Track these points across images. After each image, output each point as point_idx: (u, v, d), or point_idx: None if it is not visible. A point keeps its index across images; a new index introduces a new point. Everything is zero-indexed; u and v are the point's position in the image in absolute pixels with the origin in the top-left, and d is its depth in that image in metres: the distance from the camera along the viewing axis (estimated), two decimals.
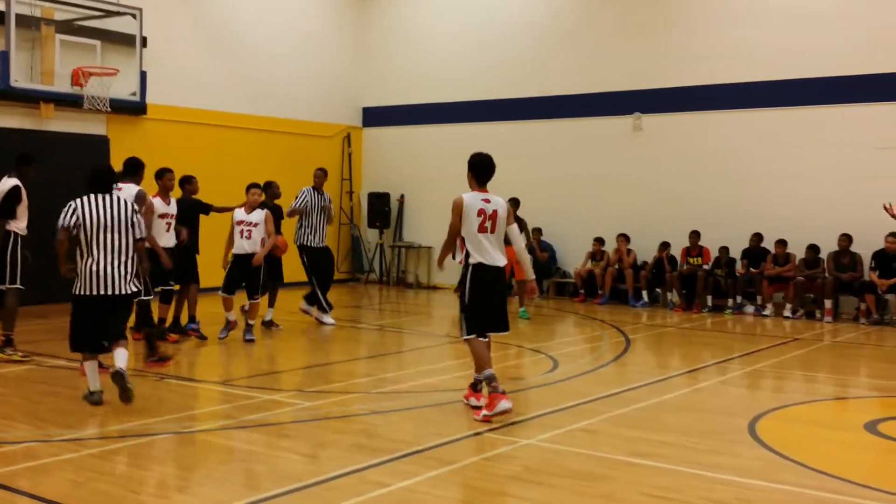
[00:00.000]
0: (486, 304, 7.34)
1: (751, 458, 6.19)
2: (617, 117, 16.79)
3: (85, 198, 7.41)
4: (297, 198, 12.77)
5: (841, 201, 14.65)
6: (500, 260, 7.39)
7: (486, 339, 7.38)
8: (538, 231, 17.17)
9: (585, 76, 17.14)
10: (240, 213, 11.19)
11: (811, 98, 15.03)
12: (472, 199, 7.34)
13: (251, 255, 11.00)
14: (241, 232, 11.06)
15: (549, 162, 17.41)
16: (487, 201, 7.36)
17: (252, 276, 11.12)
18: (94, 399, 7.39)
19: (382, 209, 19.34)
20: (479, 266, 7.32)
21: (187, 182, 11.76)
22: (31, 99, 13.56)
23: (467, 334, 7.34)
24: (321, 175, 13.14)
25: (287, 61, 18.19)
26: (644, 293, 15.81)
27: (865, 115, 14.60)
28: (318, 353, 10.78)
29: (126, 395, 7.18)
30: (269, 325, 12.14)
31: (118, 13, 13.46)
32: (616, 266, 16.11)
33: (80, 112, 13.84)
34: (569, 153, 17.31)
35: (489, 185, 7.52)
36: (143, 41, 13.87)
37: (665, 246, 15.65)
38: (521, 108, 17.90)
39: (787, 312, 14.42)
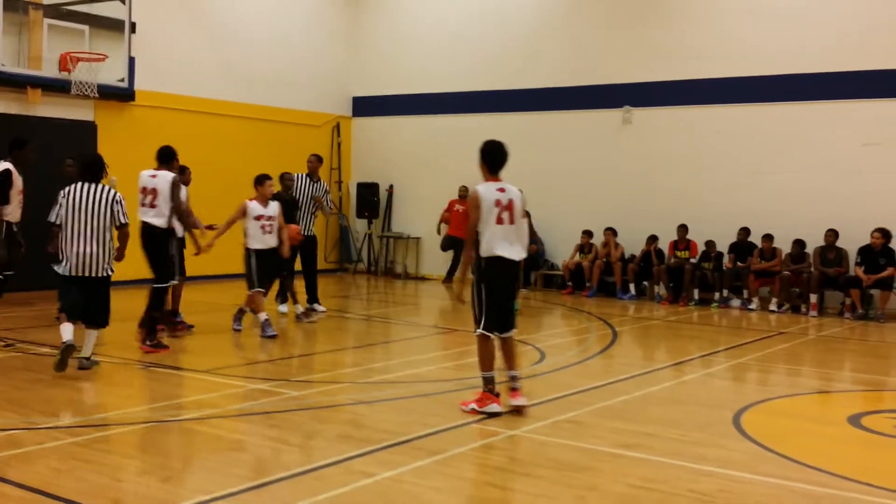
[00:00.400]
0: (501, 299, 7.02)
1: (735, 451, 6.22)
2: (606, 110, 16.79)
3: (71, 187, 8.14)
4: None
5: (827, 197, 14.72)
6: (519, 253, 7.06)
7: (507, 337, 7.10)
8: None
9: (575, 68, 17.14)
10: (257, 207, 10.71)
11: (799, 93, 15.07)
12: (488, 191, 7.02)
13: (275, 250, 10.73)
14: (264, 227, 10.66)
15: (539, 154, 17.40)
16: (502, 191, 7.05)
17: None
18: (80, 365, 8.12)
19: (371, 199, 19.31)
20: (497, 260, 6.95)
21: (180, 173, 11.43)
22: (18, 84, 13.46)
23: (483, 329, 7.00)
24: (314, 161, 12.95)
25: (277, 50, 18.12)
26: (631, 286, 15.85)
27: (852, 111, 14.66)
28: (306, 343, 10.77)
29: (62, 365, 7.83)
30: (307, 314, 11.93)
31: None
32: (604, 259, 16.15)
33: (67, 98, 13.76)
34: (558, 146, 17.32)
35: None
36: (132, 27, 13.79)
37: (653, 239, 15.69)
38: (511, 99, 17.89)
39: (772, 306, 14.49)
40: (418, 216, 18.93)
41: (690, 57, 15.98)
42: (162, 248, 9.69)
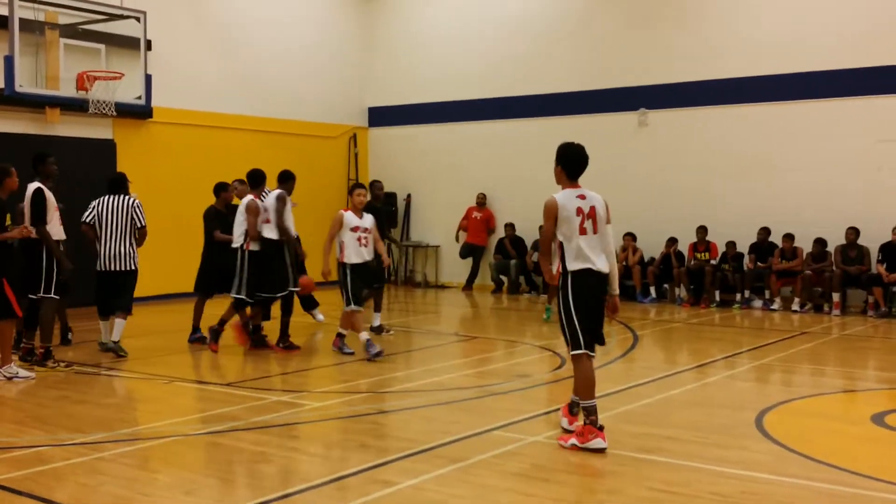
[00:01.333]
0: (592, 315, 6.42)
1: (758, 452, 6.20)
2: (622, 113, 16.77)
3: (102, 198, 10.03)
4: None
5: (847, 194, 14.62)
6: (605, 265, 6.45)
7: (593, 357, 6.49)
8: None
9: (590, 72, 17.13)
10: (352, 218, 9.97)
11: (817, 91, 14.99)
12: (567, 199, 6.41)
13: (367, 264, 10.09)
14: (360, 239, 9.96)
15: (554, 159, 17.38)
16: (583, 197, 6.46)
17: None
18: (105, 347, 9.96)
19: (389, 209, 19.36)
20: (584, 273, 6.35)
21: (223, 189, 11.43)
22: (36, 104, 13.61)
23: (575, 349, 6.39)
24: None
25: (292, 62, 18.23)
26: (652, 289, 15.80)
27: (871, 108, 14.57)
28: (327, 354, 10.80)
29: (118, 353, 9.65)
30: (378, 330, 11.83)
31: (122, 17, 13.51)
32: (623, 262, 16.11)
33: (85, 116, 13.91)
34: None
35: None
36: (148, 44, 13.93)
37: (672, 241, 15.64)
38: (526, 105, 17.90)
39: (795, 306, 14.41)
40: (437, 224, 18.97)
41: (705, 57, 15.94)
42: (281, 258, 10.34)
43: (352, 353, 10.03)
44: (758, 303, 14.89)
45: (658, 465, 5.90)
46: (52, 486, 5.48)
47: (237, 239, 10.47)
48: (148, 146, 15.58)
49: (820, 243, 14.44)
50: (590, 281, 6.37)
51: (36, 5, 12.55)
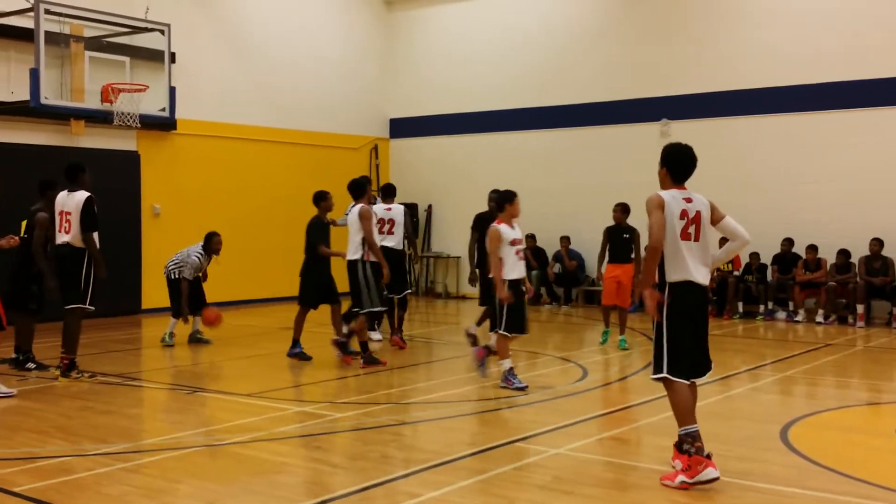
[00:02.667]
0: (692, 335, 5.75)
1: (782, 465, 6.14)
2: (644, 124, 16.74)
3: None
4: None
5: (871, 205, 14.51)
6: (706, 276, 5.80)
7: (692, 383, 5.79)
8: (566, 239, 17.16)
9: (611, 83, 17.12)
10: (509, 231, 8.75)
11: (840, 101, 14.91)
12: (673, 198, 5.79)
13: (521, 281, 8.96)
14: (519, 253, 8.83)
15: (577, 170, 17.39)
16: (690, 200, 5.82)
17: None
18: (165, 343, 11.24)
19: (410, 219, 19.36)
20: (684, 285, 5.70)
21: (322, 199, 11.08)
22: (61, 116, 13.75)
23: (666, 372, 5.69)
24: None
25: (314, 74, 18.33)
26: None
27: (894, 118, 14.45)
28: (348, 365, 10.81)
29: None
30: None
31: (146, 29, 13.62)
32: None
33: (110, 128, 14.03)
34: (596, 161, 17.27)
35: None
36: (172, 57, 14.04)
37: None
38: (548, 116, 17.90)
39: (819, 318, 14.29)
40: (458, 235, 18.91)
41: (728, 68, 15.88)
42: (402, 267, 10.62)
43: (523, 388, 8.72)
44: (781, 314, 14.78)
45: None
46: (76, 496, 5.51)
47: (354, 251, 10.18)
48: (172, 158, 15.71)
49: (844, 254, 14.32)
50: (690, 294, 5.72)
51: (61, 18, 12.67)
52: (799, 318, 14.49)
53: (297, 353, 10.66)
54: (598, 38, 17.36)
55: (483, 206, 11.98)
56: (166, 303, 14.61)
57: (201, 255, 11.90)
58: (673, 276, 5.71)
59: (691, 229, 5.74)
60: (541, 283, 17.50)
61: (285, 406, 8.11)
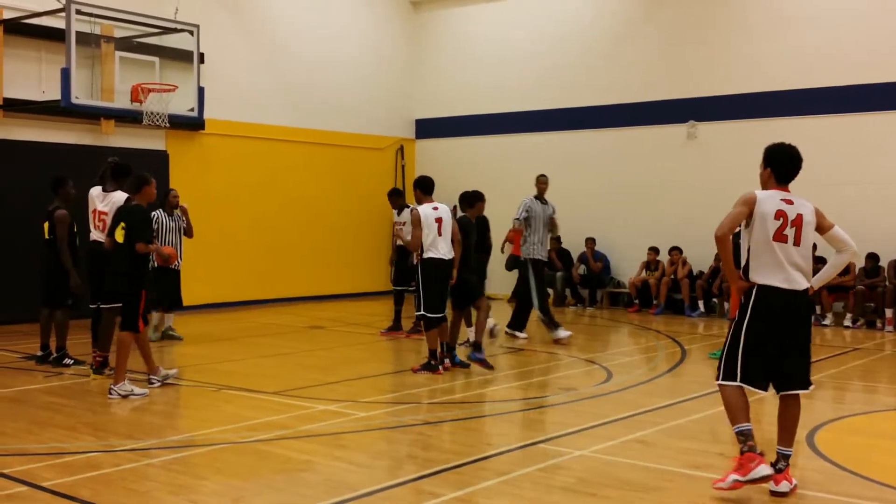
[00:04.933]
0: (773, 344, 5.46)
1: (809, 470, 6.09)
2: (670, 125, 16.66)
3: (156, 211, 10.80)
4: (519, 208, 12.41)
5: None
6: (801, 281, 5.50)
7: (790, 397, 5.61)
8: (591, 241, 17.12)
9: (638, 84, 17.05)
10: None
11: (870, 104, 14.76)
12: (769, 197, 5.54)
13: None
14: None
15: (602, 171, 17.34)
16: (789, 202, 5.55)
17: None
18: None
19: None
20: (770, 290, 5.42)
21: (478, 199, 10.82)
22: (91, 115, 13.90)
23: (723, 379, 5.53)
24: (545, 181, 12.51)
25: (340, 75, 18.40)
26: (700, 303, 15.64)
27: None
28: (372, 364, 10.85)
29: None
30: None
31: (176, 30, 13.71)
32: (671, 276, 15.96)
33: (139, 128, 14.17)
34: (622, 162, 17.22)
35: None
36: (201, 57, 14.13)
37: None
38: (574, 117, 17.86)
39: (847, 322, 14.15)
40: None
41: (755, 69, 15.77)
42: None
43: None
44: None
45: (707, 481, 5.80)
46: (102, 491, 5.57)
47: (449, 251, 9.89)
48: (200, 157, 15.83)
49: (872, 258, 14.18)
50: (777, 300, 5.41)
51: (92, 19, 12.80)
52: (827, 322, 14.36)
53: (481, 360, 9.93)
54: (624, 39, 17.30)
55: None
56: (198, 299, 14.78)
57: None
58: (759, 277, 5.47)
59: (788, 231, 5.47)
60: (566, 285, 17.46)
61: (310, 404, 8.15)
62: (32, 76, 13.60)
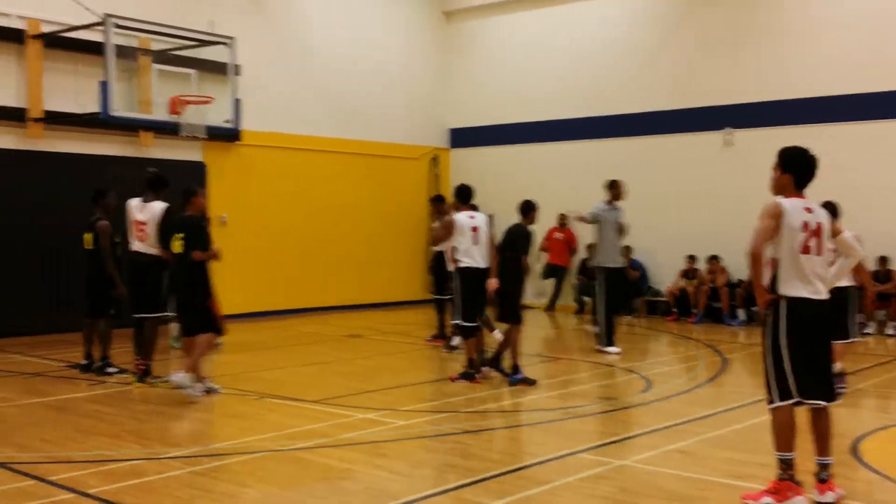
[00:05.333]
0: (809, 356, 5.41)
1: (854, 480, 6.01)
2: (707, 133, 16.52)
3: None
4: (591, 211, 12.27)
5: None
6: (824, 292, 5.48)
7: (822, 409, 5.48)
8: (628, 249, 17.02)
9: (674, 92, 16.95)
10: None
11: None
12: (794, 208, 5.46)
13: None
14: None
15: (639, 179, 17.17)
16: (810, 211, 5.52)
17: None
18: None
19: None
20: (801, 302, 5.39)
21: (533, 209, 10.45)
22: (130, 127, 14.07)
23: (779, 400, 5.41)
24: (621, 187, 12.29)
25: (375, 85, 18.48)
26: (740, 311, 15.47)
27: None
28: (411, 372, 10.87)
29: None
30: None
31: (212, 43, 13.86)
32: (710, 284, 15.82)
33: (177, 139, 14.33)
34: (658, 170, 17.10)
35: None
36: (237, 69, 14.29)
37: None
38: (609, 125, 17.79)
39: (889, 330, 13.94)
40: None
41: (792, 75, 15.61)
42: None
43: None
44: None
45: (751, 491, 5.75)
46: (146, 498, 5.63)
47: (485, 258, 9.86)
48: (237, 168, 15.97)
49: None
50: (808, 311, 5.38)
51: (130, 32, 12.98)
52: (869, 329, 14.15)
53: (521, 379, 9.61)
54: (659, 47, 17.20)
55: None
56: (238, 308, 14.86)
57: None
58: (788, 290, 5.39)
59: (812, 242, 5.43)
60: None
61: (350, 412, 8.18)
62: (72, 89, 13.81)
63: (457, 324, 9.92)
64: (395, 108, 18.92)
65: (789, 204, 5.48)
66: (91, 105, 13.32)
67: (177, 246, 8.80)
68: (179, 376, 8.61)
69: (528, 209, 10.35)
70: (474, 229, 9.74)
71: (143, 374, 9.46)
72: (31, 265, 13.20)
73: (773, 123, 15.79)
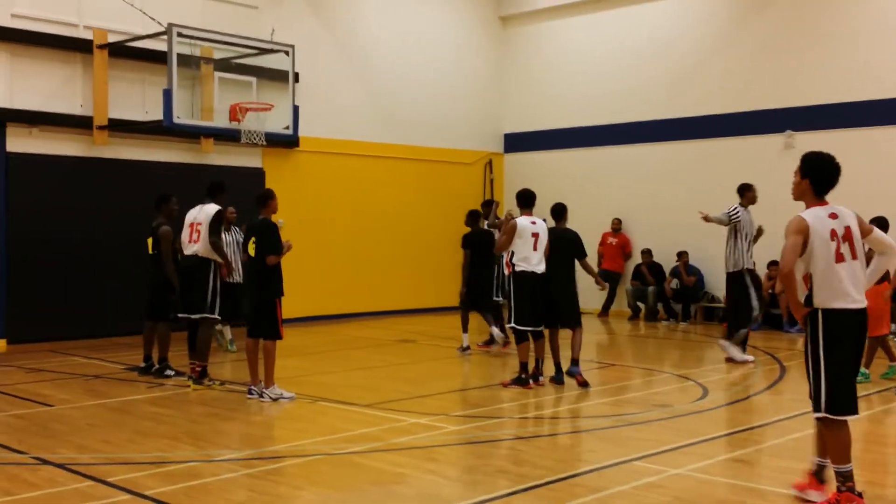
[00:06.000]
0: (848, 365, 5.36)
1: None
2: (766, 136, 16.25)
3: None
4: (727, 209, 12.14)
5: None
6: (862, 299, 5.35)
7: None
8: (684, 254, 16.82)
9: (732, 94, 16.71)
10: None
11: None
12: (818, 219, 5.33)
13: None
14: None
15: (695, 183, 17.02)
16: (835, 217, 5.38)
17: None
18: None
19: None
20: (839, 313, 5.27)
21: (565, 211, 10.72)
22: (192, 135, 14.35)
23: (831, 411, 5.31)
24: (752, 189, 12.13)
25: (430, 90, 18.56)
26: None
27: None
28: (463, 377, 10.88)
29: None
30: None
31: (272, 51, 14.06)
32: (769, 291, 15.54)
33: (237, 146, 14.54)
34: (716, 174, 16.84)
35: None
36: (296, 77, 14.46)
37: None
38: (665, 129, 17.61)
39: None
40: None
41: (854, 77, 15.28)
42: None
43: None
44: None
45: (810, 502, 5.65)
46: (201, 500, 5.71)
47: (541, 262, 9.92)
48: (295, 174, 16.16)
49: None
50: (847, 321, 5.27)
51: (192, 41, 13.22)
52: None
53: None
54: (717, 49, 16.97)
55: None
56: (293, 313, 15.03)
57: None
58: (828, 302, 5.28)
59: (844, 248, 5.30)
60: (658, 299, 17.19)
61: (402, 417, 8.22)
62: (136, 97, 14.13)
63: (511, 327, 9.92)
64: (450, 113, 18.98)
65: (812, 215, 5.37)
66: (154, 113, 13.61)
67: (251, 248, 9.00)
68: (271, 391, 8.89)
69: (563, 212, 10.67)
70: (535, 235, 9.76)
71: (200, 376, 9.62)
72: (94, 269, 13.51)
73: (836, 126, 15.47)
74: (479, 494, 5.84)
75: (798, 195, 5.58)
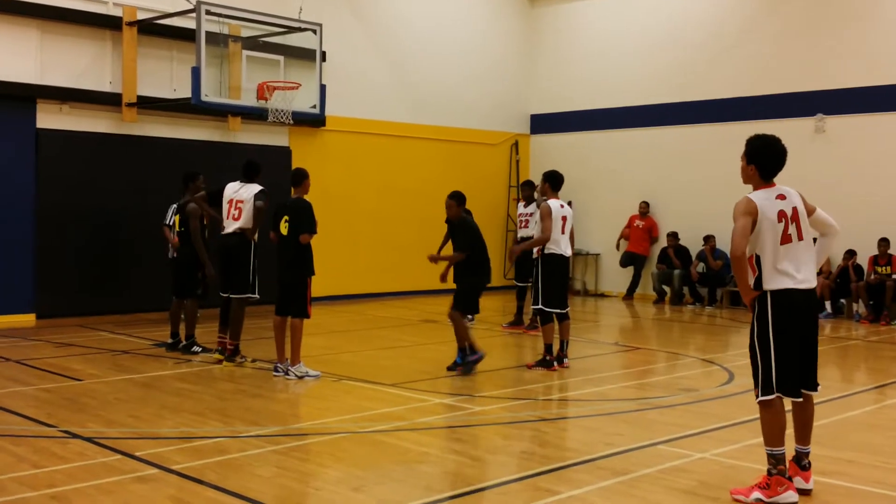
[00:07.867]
0: (796, 348, 5.31)
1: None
2: (797, 119, 16.07)
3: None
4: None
5: None
6: (812, 279, 5.37)
7: (807, 398, 5.48)
8: (711, 238, 16.70)
9: (762, 76, 16.52)
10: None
11: None
12: (766, 200, 5.38)
13: None
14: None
15: (723, 167, 16.81)
16: (783, 198, 5.42)
17: None
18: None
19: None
20: (786, 294, 5.26)
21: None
22: (219, 113, 14.39)
23: (764, 394, 5.32)
24: None
25: (457, 71, 18.50)
26: (827, 304, 15.06)
27: None
28: (488, 359, 10.88)
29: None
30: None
31: (300, 29, 14.04)
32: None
33: (264, 125, 14.59)
34: None
35: None
36: (323, 56, 14.45)
37: (851, 254, 14.86)
38: (693, 111, 17.45)
39: None
40: (598, 232, 18.75)
41: (889, 60, 15.05)
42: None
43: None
44: None
45: (834, 488, 5.63)
46: (228, 475, 5.77)
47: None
48: (321, 153, 16.19)
49: None
50: (794, 301, 5.26)
51: (221, 19, 13.24)
52: None
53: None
54: (747, 30, 16.77)
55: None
56: (318, 292, 15.08)
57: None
58: (773, 283, 5.28)
59: (791, 230, 5.34)
60: (683, 283, 17.11)
61: (426, 397, 8.25)
62: (164, 75, 14.18)
63: (538, 309, 9.91)
64: (477, 94, 18.91)
65: (760, 197, 5.40)
66: (182, 90, 13.66)
67: (283, 228, 9.02)
68: (297, 368, 8.99)
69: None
70: (563, 218, 9.82)
71: (233, 354, 9.70)
72: (122, 245, 13.63)
73: (868, 110, 15.28)
74: (503, 475, 5.85)
75: (746, 180, 5.64)
